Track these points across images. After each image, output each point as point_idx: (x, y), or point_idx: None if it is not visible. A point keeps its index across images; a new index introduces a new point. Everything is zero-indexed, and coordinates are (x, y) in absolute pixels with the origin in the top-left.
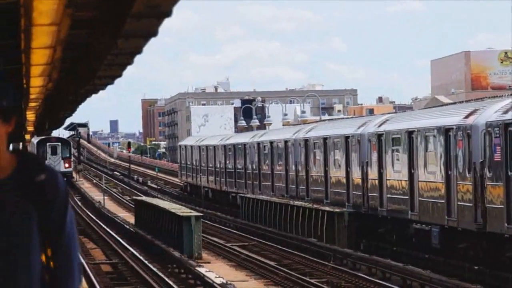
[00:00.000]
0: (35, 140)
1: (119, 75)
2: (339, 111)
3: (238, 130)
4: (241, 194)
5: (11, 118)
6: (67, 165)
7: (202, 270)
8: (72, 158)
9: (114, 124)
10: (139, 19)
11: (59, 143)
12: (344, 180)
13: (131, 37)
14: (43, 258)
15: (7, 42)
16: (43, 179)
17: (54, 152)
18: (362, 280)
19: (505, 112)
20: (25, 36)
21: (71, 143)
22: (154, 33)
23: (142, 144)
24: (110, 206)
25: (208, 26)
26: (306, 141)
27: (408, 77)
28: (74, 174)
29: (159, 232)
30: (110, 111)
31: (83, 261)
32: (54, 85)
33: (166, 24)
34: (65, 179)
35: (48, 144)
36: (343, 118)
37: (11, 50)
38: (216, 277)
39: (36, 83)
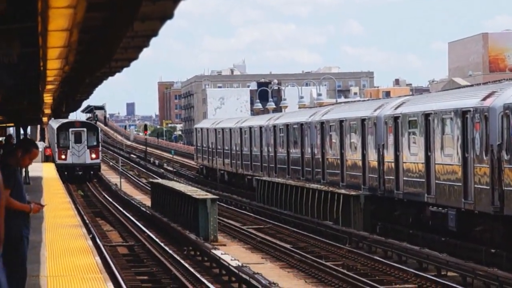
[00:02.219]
0: (54, 124)
1: (135, 58)
2: (355, 93)
3: (254, 112)
4: (257, 177)
5: None
6: (94, 155)
7: (217, 252)
8: (100, 147)
9: (130, 107)
10: (155, 2)
11: (85, 129)
12: (360, 163)
13: (147, 19)
14: None
15: (25, 25)
16: None
17: (78, 140)
18: (378, 263)
19: None
20: (42, 19)
21: (99, 128)
22: (170, 16)
23: (158, 126)
24: (127, 188)
25: (223, 9)
26: (322, 123)
27: (425, 59)
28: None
29: (175, 214)
30: (127, 94)
31: (100, 243)
32: (71, 68)
33: (182, 7)
34: (91, 172)
35: (70, 130)
36: (359, 100)
37: (29, 33)
38: (231, 259)
39: (53, 65)
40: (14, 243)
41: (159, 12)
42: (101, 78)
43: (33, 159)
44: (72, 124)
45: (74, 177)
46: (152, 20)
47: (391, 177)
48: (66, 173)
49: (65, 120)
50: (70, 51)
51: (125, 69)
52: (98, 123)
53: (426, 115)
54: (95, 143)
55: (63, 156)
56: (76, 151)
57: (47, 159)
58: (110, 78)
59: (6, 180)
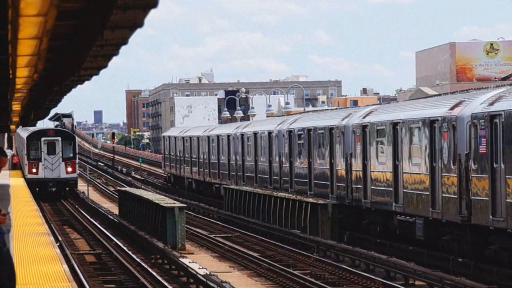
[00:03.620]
0: (24, 133)
1: (105, 66)
2: (323, 102)
3: (222, 121)
4: (224, 185)
5: None
6: (70, 169)
7: (185, 261)
8: (77, 159)
9: (98, 115)
10: (125, 10)
11: (59, 138)
12: (328, 172)
13: (117, 28)
14: None
15: None
16: None
17: (51, 151)
18: (345, 272)
19: (491, 104)
20: (12, 27)
21: (76, 137)
22: (140, 24)
23: (126, 134)
24: (94, 196)
25: (191, 18)
26: (290, 132)
27: (392, 68)
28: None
29: (143, 222)
30: (94, 102)
31: (67, 251)
32: (40, 76)
33: (150, 16)
34: (67, 188)
35: (43, 139)
36: (327, 109)
37: None
38: (199, 268)
39: (22, 73)
40: None
41: (129, 21)
42: (70, 86)
43: (2, 167)
44: (45, 132)
45: (46, 194)
46: (122, 29)
47: (359, 186)
48: (37, 189)
49: (35, 128)
50: (40, 59)
51: (93, 77)
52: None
53: (394, 124)
54: (71, 155)
55: (34, 170)
56: (49, 163)
57: (15, 166)
58: (78, 86)
59: None
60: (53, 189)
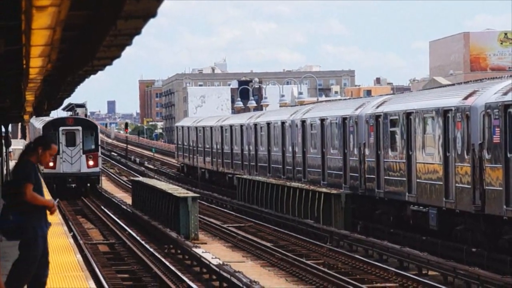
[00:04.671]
0: (39, 123)
1: (118, 56)
2: (336, 92)
3: (235, 111)
4: (237, 175)
5: None
6: (91, 162)
7: (198, 251)
8: (100, 151)
9: (111, 105)
10: (138, 0)
11: (79, 127)
12: (341, 162)
13: (131, 18)
14: None
15: (9, 23)
16: None
17: (71, 142)
18: (359, 262)
19: (505, 94)
20: (26, 17)
21: (98, 127)
22: (153, 14)
23: (139, 124)
24: (107, 186)
25: (203, 7)
26: (303, 122)
27: (406, 58)
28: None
29: (156, 212)
30: (108, 92)
31: (80, 241)
32: (53, 66)
33: (163, 5)
34: (88, 185)
35: (61, 129)
36: (340, 99)
37: (13, 31)
38: (212, 257)
39: (36, 63)
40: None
41: (143, 11)
42: (83, 76)
43: (53, 155)
44: (63, 121)
45: (65, 191)
46: (136, 19)
47: (372, 176)
48: (55, 185)
49: (52, 117)
50: (53, 49)
51: (106, 67)
52: None
53: (408, 114)
54: (93, 147)
55: (51, 164)
56: (68, 156)
57: None
58: (91, 76)
59: (28, 176)
60: (73, 185)
